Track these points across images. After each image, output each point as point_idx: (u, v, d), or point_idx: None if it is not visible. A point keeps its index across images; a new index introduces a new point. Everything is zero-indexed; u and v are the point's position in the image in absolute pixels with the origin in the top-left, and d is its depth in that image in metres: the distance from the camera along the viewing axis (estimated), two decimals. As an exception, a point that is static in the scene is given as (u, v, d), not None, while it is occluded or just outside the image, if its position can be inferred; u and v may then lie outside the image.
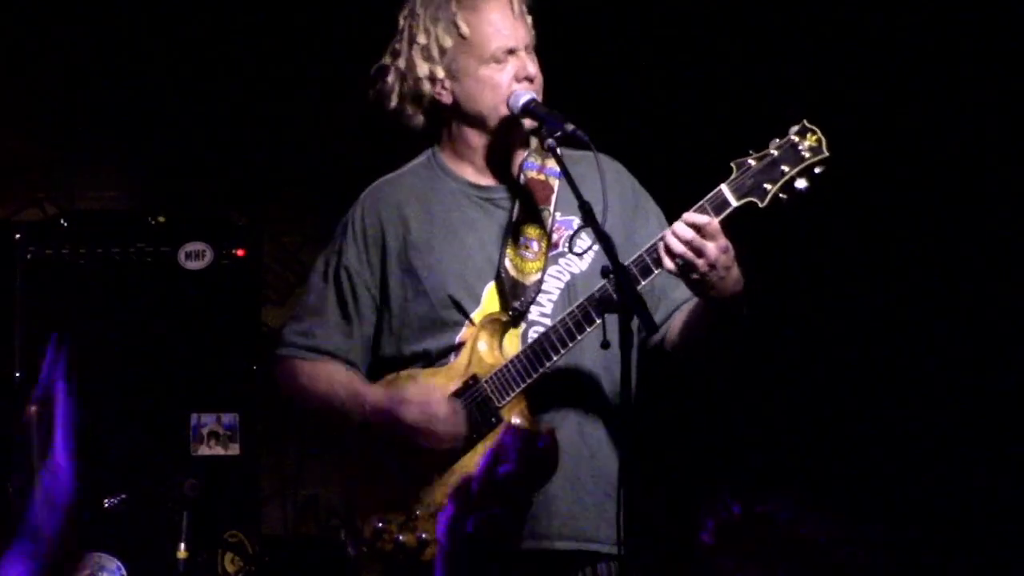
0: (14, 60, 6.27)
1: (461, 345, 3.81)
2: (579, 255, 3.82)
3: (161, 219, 5.76)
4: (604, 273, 3.54)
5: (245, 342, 5.72)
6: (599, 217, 3.58)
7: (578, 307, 3.71)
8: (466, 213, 3.87)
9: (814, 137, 3.66)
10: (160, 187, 6.39)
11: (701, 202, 3.64)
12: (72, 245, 5.63)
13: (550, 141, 3.71)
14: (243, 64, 6.41)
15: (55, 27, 6.30)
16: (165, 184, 6.39)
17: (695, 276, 3.60)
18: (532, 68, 3.81)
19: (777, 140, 3.68)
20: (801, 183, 3.65)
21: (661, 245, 3.61)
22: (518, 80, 3.80)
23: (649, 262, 3.66)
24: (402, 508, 3.76)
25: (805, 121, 3.68)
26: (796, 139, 3.66)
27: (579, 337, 3.72)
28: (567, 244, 3.83)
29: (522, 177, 3.89)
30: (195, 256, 5.70)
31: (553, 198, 3.87)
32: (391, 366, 3.86)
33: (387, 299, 3.87)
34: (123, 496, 5.59)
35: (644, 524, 3.82)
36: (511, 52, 3.80)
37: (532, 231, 3.83)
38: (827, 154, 3.65)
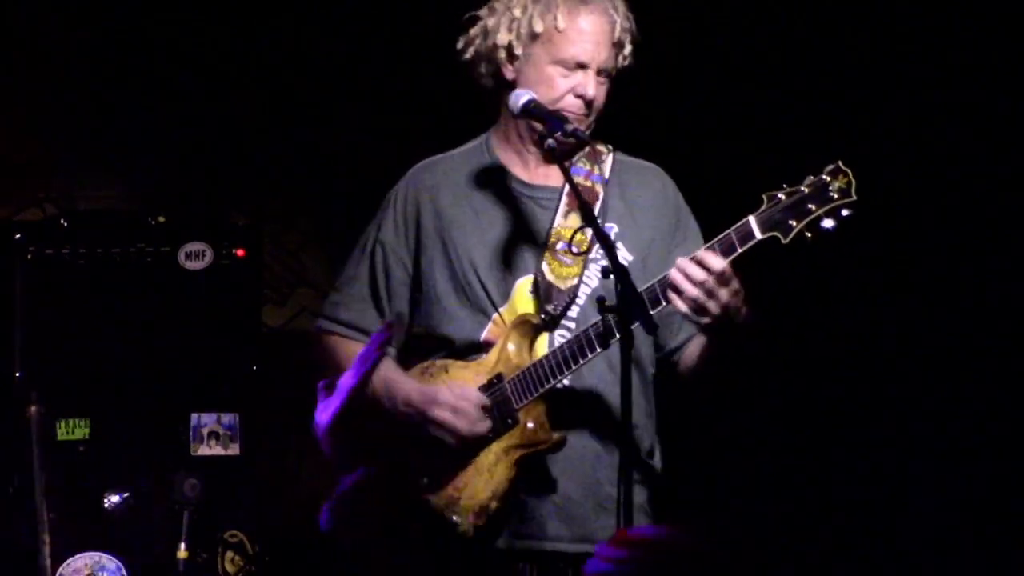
0: (14, 60, 6.27)
1: (488, 342, 3.84)
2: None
3: (161, 219, 5.76)
4: (605, 274, 3.56)
5: (245, 342, 5.72)
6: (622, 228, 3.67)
7: (605, 318, 3.72)
8: (508, 207, 3.90)
9: (844, 179, 3.67)
10: (160, 187, 6.39)
11: (728, 231, 3.67)
12: (72, 245, 5.63)
13: (550, 141, 3.73)
14: (243, 64, 6.41)
15: (55, 27, 6.30)
16: (165, 184, 6.39)
17: (705, 320, 3.63)
18: (592, 90, 3.83)
19: (811, 177, 3.69)
20: (828, 223, 3.66)
21: (670, 282, 3.63)
22: (575, 95, 3.83)
23: (659, 293, 3.69)
24: (403, 493, 3.81)
25: (840, 162, 3.69)
26: (827, 178, 3.67)
27: (600, 349, 3.74)
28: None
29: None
30: (195, 256, 5.70)
31: (597, 204, 3.89)
32: (420, 346, 3.92)
33: (419, 278, 3.92)
34: (123, 496, 5.59)
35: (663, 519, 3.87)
36: (581, 66, 3.81)
37: (572, 235, 3.84)
38: (854, 197, 3.66)
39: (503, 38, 3.83)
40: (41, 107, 6.32)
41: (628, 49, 3.88)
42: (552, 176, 3.92)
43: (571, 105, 3.82)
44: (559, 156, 3.76)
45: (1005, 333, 5.75)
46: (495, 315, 3.86)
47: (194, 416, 5.68)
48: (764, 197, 3.68)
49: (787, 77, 5.98)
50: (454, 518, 3.78)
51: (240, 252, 5.74)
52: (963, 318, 5.82)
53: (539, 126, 3.82)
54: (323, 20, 6.36)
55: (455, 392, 3.79)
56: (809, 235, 3.66)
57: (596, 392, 3.86)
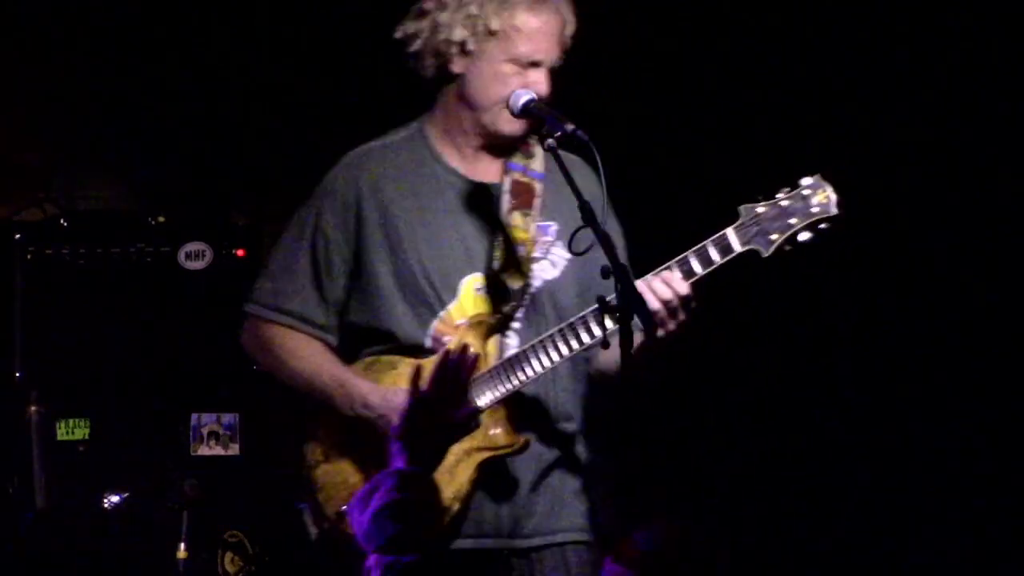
0: (14, 60, 6.27)
1: (436, 339, 3.83)
2: (580, 254, 3.84)
3: (161, 219, 5.77)
4: (604, 274, 3.55)
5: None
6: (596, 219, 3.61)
7: (576, 322, 3.74)
8: (449, 202, 3.89)
9: (824, 194, 3.69)
10: (160, 187, 6.39)
11: (705, 243, 3.69)
12: (72, 245, 5.63)
13: (550, 141, 3.73)
14: (243, 64, 6.41)
15: (55, 27, 6.30)
16: (165, 184, 6.39)
17: (661, 333, 3.65)
18: (545, 88, 3.82)
19: (787, 190, 3.70)
20: (805, 235, 3.69)
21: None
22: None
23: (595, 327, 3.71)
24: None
25: (819, 175, 3.70)
26: (807, 192, 3.69)
27: (568, 354, 3.76)
28: (567, 243, 3.84)
29: (507, 178, 3.90)
30: (195, 256, 5.71)
31: (536, 202, 3.90)
32: (359, 338, 3.89)
33: (360, 271, 3.89)
34: (123, 496, 5.59)
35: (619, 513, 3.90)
36: (535, 64, 3.82)
37: (517, 234, 3.86)
38: (836, 212, 3.67)
39: (458, 34, 3.81)
40: (41, 107, 6.32)
41: (567, 44, 3.89)
42: (491, 171, 3.92)
43: (522, 91, 3.81)
44: (559, 156, 3.76)
45: (999, 333, 5.77)
46: (442, 312, 3.85)
47: (194, 416, 5.68)
48: (741, 210, 3.70)
49: (762, 81, 5.99)
50: None
51: (240, 252, 5.74)
52: (961, 317, 5.83)
53: (521, 127, 3.83)
54: (323, 20, 6.36)
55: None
56: (788, 248, 3.68)
57: (553, 391, 3.88)
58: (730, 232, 3.68)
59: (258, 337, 3.97)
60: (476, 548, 3.84)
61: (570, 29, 3.85)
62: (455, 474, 3.78)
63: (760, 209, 3.69)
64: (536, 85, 3.80)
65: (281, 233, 4.02)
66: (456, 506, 3.79)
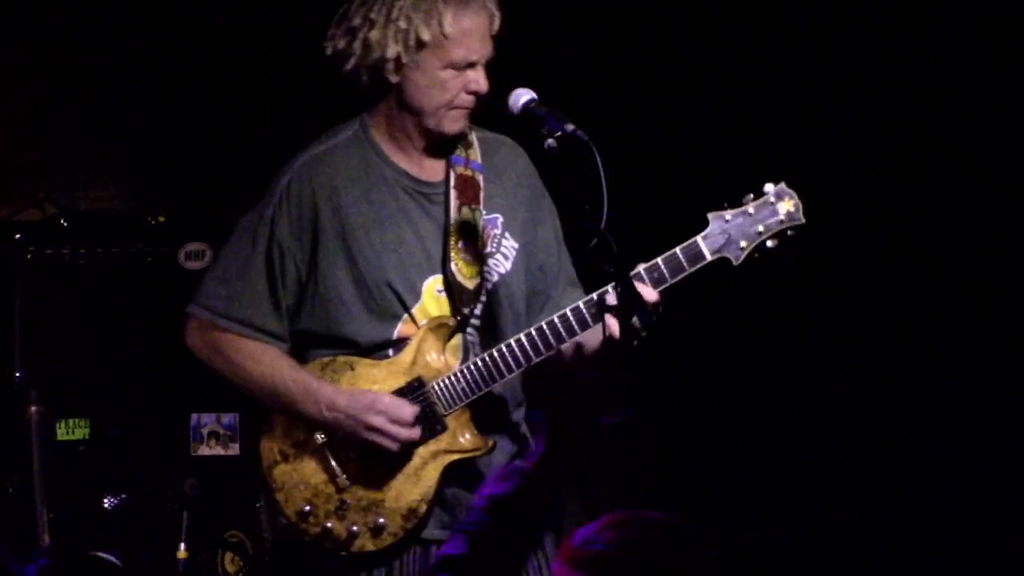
0: (14, 60, 6.27)
1: (400, 341, 3.86)
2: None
3: (161, 219, 5.76)
4: (605, 275, 3.57)
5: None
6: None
7: (545, 326, 3.78)
8: (403, 204, 3.90)
9: (791, 202, 3.76)
10: (160, 187, 6.39)
11: (675, 251, 3.74)
12: (72, 245, 5.63)
13: (550, 142, 3.73)
14: (243, 64, 6.41)
15: (55, 27, 6.30)
16: (165, 184, 6.39)
17: (624, 337, 3.67)
18: (484, 84, 3.84)
19: (752, 196, 3.76)
20: (772, 243, 3.76)
21: (607, 305, 3.69)
22: (468, 92, 3.84)
23: (587, 315, 3.75)
24: (334, 496, 3.84)
25: (784, 184, 3.76)
26: (774, 200, 3.76)
27: (538, 359, 3.80)
28: (527, 226, 3.93)
29: (451, 173, 3.92)
30: (195, 256, 5.70)
31: (481, 196, 3.93)
32: (313, 343, 3.90)
33: (315, 278, 3.89)
34: (123, 496, 5.59)
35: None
36: (471, 65, 3.83)
37: (468, 232, 3.89)
38: (803, 221, 3.75)
39: (391, 51, 3.81)
40: (41, 107, 6.32)
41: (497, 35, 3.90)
42: (436, 170, 3.94)
43: (465, 101, 3.84)
44: (558, 156, 3.77)
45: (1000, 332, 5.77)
46: (405, 316, 3.87)
47: (194, 416, 5.68)
48: (709, 218, 3.74)
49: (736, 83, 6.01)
50: (380, 520, 3.82)
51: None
52: (960, 317, 5.84)
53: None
54: (324, 20, 6.35)
55: (391, 399, 3.81)
56: (757, 256, 3.75)
57: (517, 396, 3.95)
58: (700, 240, 3.75)
59: (210, 342, 3.98)
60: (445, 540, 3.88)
61: (497, 21, 3.86)
62: (421, 476, 3.83)
63: (728, 216, 3.75)
64: (475, 84, 3.83)
65: (229, 237, 3.99)
66: (423, 507, 3.83)
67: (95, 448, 5.61)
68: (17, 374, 5.53)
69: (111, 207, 6.29)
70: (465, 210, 3.89)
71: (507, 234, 3.92)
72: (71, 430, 5.59)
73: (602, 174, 3.68)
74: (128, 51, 6.35)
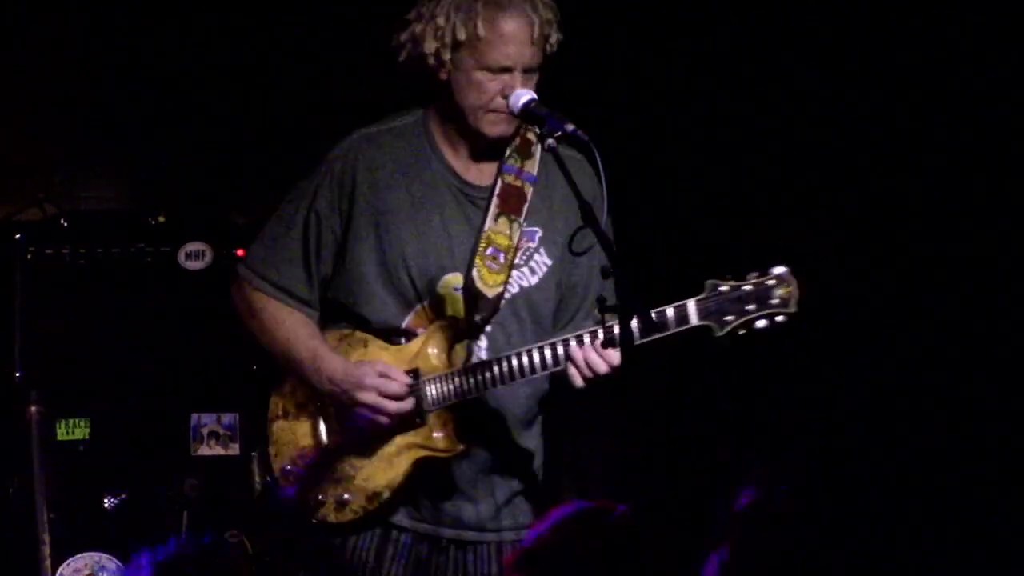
0: (14, 60, 6.27)
1: (410, 332, 3.93)
2: (579, 254, 3.88)
3: (161, 219, 5.76)
4: (605, 274, 3.58)
5: (245, 342, 5.71)
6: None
7: (547, 346, 3.82)
8: (441, 199, 3.96)
9: (787, 289, 3.76)
10: (160, 187, 6.39)
11: (665, 308, 3.75)
12: (72, 245, 5.63)
13: (550, 141, 3.74)
14: (243, 64, 6.41)
15: (55, 27, 6.30)
16: (165, 184, 6.39)
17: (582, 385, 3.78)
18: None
19: (755, 275, 3.77)
20: (761, 323, 3.77)
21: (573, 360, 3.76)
22: (503, 96, 3.86)
23: (558, 358, 3.80)
24: (313, 463, 3.96)
25: (788, 270, 3.77)
26: (772, 283, 3.76)
27: (536, 376, 3.85)
28: (567, 245, 3.92)
29: (499, 181, 3.96)
30: (195, 256, 5.71)
31: (524, 207, 3.96)
32: (337, 314, 4.01)
33: (346, 253, 3.97)
34: (123, 496, 5.59)
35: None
36: (506, 70, 3.85)
37: (500, 240, 3.93)
38: (794, 310, 3.75)
39: (430, 46, 3.88)
40: (41, 107, 6.31)
41: (554, 38, 3.91)
42: (485, 174, 3.99)
43: (500, 105, 3.87)
44: (560, 155, 3.78)
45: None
46: (418, 307, 3.95)
47: (194, 416, 5.68)
48: (706, 284, 3.76)
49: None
50: (345, 496, 3.90)
51: (240, 252, 5.72)
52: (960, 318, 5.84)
53: (535, 127, 3.85)
54: (324, 20, 6.36)
55: (382, 373, 3.88)
56: (742, 332, 3.75)
57: (501, 403, 3.99)
58: (691, 304, 3.76)
59: (245, 300, 4.10)
60: (413, 529, 3.98)
61: (548, 28, 3.87)
62: (393, 464, 3.91)
63: (724, 288, 3.76)
64: (508, 89, 3.85)
65: (283, 198, 4.09)
66: (387, 494, 3.91)
67: (95, 448, 5.61)
68: (17, 374, 5.53)
69: (111, 207, 6.29)
70: (503, 219, 3.94)
71: (542, 249, 3.97)
72: (71, 430, 5.59)
73: (602, 174, 3.70)
74: (128, 51, 6.34)
